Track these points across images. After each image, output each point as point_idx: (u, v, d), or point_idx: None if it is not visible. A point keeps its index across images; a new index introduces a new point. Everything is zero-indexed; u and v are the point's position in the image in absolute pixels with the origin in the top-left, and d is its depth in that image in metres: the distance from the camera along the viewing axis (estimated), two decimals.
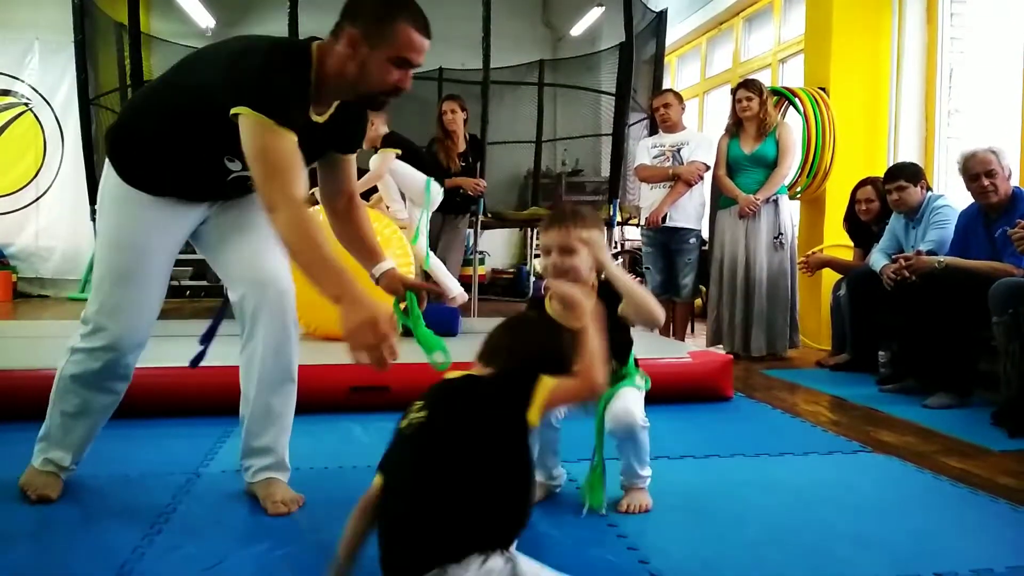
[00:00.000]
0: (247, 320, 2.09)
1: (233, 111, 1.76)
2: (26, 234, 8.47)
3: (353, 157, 2.19)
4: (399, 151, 4.78)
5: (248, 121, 1.76)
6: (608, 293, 2.06)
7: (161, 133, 1.97)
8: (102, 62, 6.26)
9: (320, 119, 1.96)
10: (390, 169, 4.78)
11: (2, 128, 8.46)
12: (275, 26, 6.18)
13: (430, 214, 4.94)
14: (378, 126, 4.70)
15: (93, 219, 6.18)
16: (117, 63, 6.47)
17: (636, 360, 2.22)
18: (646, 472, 2.19)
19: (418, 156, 4.99)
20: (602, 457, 2.11)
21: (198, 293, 9.36)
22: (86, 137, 6.25)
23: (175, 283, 9.38)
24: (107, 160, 2.06)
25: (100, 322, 2.04)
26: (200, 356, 2.31)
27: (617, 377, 2.14)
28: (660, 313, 2.10)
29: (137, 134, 2.02)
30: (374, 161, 4.81)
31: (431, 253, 4.93)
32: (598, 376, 1.56)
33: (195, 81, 1.94)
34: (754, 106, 4.71)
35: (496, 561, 1.38)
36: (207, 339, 2.28)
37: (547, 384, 1.52)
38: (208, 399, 3.00)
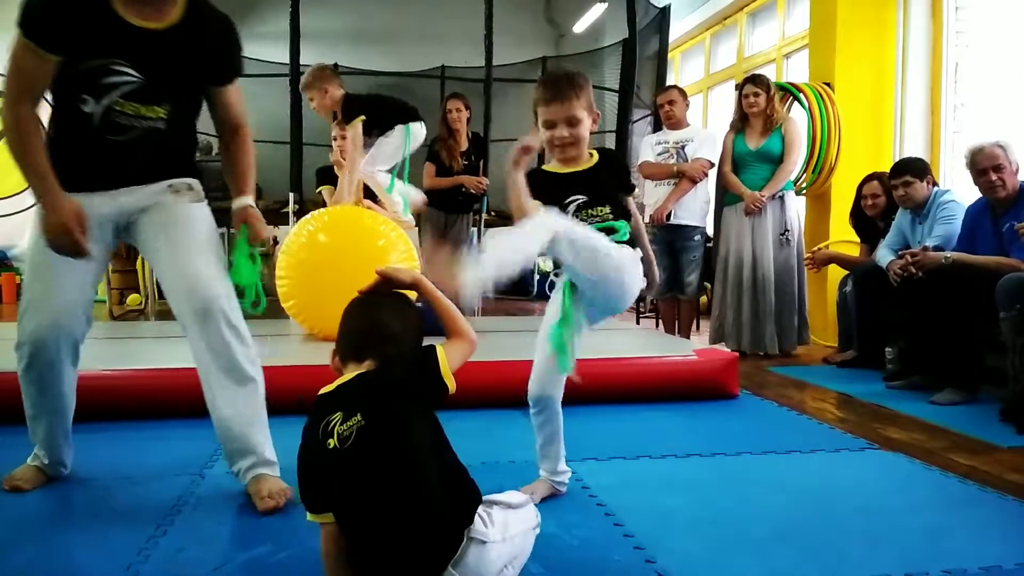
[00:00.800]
0: (186, 330, 2.13)
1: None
2: (30, 235, 8.47)
3: (232, 88, 2.20)
4: (363, 116, 4.29)
5: (14, 41, 1.91)
6: (612, 158, 2.25)
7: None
8: None
9: (151, 24, 1.97)
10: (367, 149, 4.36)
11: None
12: (277, 26, 6.18)
13: (409, 152, 4.48)
14: (332, 90, 4.30)
15: None
16: None
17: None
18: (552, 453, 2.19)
19: (382, 105, 4.47)
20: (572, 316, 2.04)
21: None
22: None
23: None
24: None
25: (21, 318, 2.11)
26: None
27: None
28: None
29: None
30: (350, 140, 4.35)
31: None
32: (471, 333, 1.69)
33: None
34: (761, 102, 4.69)
35: (479, 525, 1.50)
36: None
37: (442, 352, 1.58)
38: None
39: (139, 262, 7.24)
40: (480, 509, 1.53)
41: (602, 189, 2.13)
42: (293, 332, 4.29)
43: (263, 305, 2.18)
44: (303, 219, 4.22)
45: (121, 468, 2.39)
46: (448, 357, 1.58)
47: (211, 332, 2.09)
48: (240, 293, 2.17)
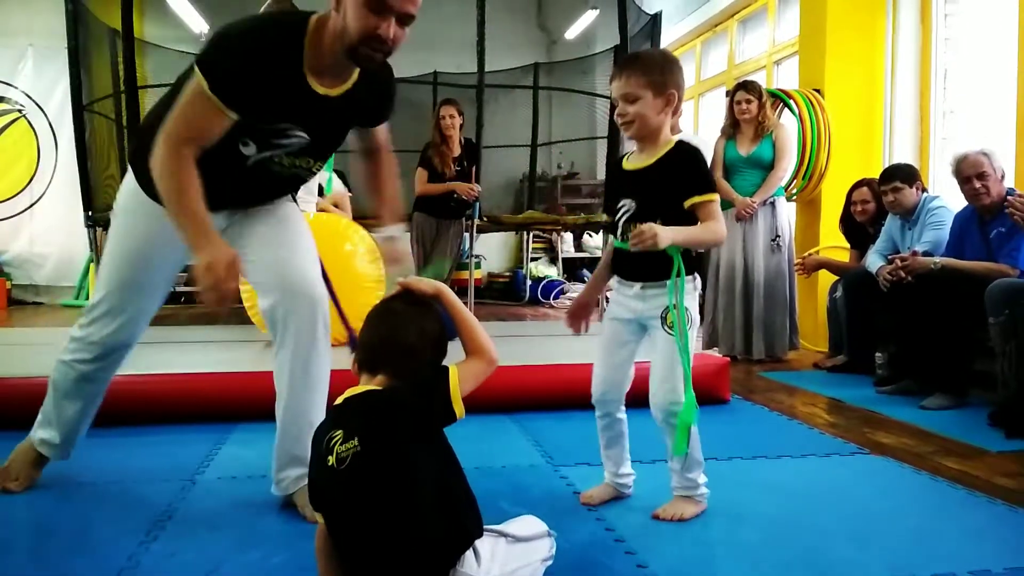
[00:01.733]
0: (278, 328, 2.05)
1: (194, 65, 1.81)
2: (20, 241, 8.45)
3: (380, 129, 2.20)
4: None
5: (194, 79, 1.80)
6: (686, 160, 2.02)
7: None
8: (96, 68, 6.24)
9: (332, 92, 1.92)
10: None
11: None
12: None
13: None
14: None
15: (88, 225, 6.18)
16: (111, 69, 6.45)
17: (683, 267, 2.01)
18: (691, 479, 2.10)
19: None
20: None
21: (193, 299, 9.33)
22: (80, 143, 6.22)
23: (171, 288, 9.38)
24: (129, 167, 2.11)
25: (98, 320, 2.13)
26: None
27: (660, 264, 1.98)
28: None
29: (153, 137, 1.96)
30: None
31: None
32: (492, 351, 1.60)
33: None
34: (753, 108, 4.71)
35: (486, 545, 1.48)
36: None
37: (455, 375, 1.51)
38: (204, 405, 3.00)
39: None
40: (478, 543, 1.47)
41: (654, 195, 2.02)
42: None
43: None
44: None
45: (113, 473, 2.39)
46: (462, 378, 1.51)
47: (307, 336, 2.04)
48: None
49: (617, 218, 2.06)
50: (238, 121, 1.84)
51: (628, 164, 2.11)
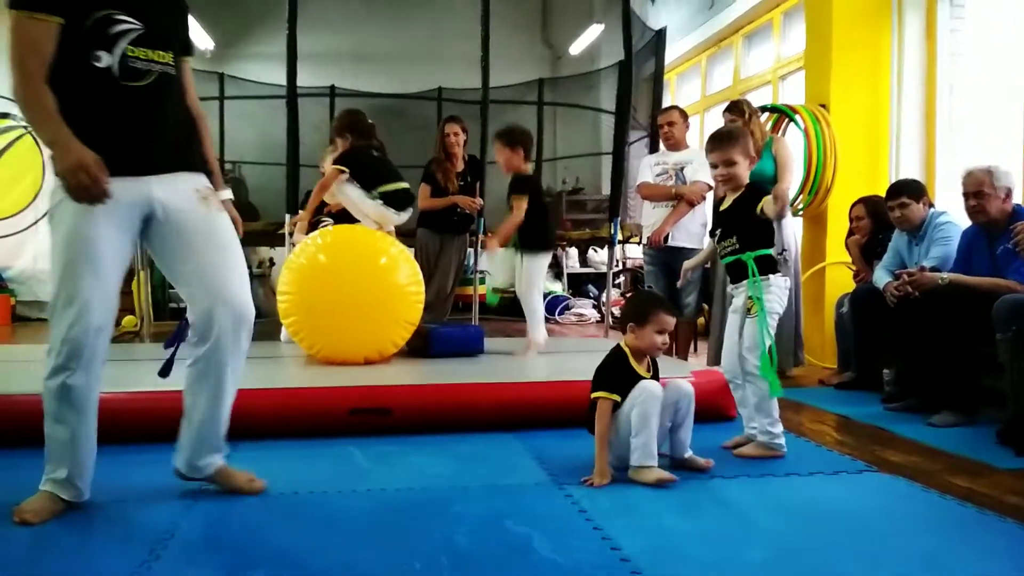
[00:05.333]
0: (207, 338, 2.23)
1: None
2: (25, 257, 8.46)
3: (189, 66, 2.36)
4: (346, 170, 4.32)
5: (11, 19, 2.03)
6: (755, 191, 2.89)
7: (52, 81, 2.05)
8: None
9: None
10: (340, 189, 4.39)
11: (0, 151, 8.47)
12: (273, 47, 6.21)
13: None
14: (339, 143, 4.54)
15: None
16: None
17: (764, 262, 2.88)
18: (761, 425, 2.84)
19: (376, 179, 4.41)
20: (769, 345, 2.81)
21: None
22: None
23: (173, 305, 9.38)
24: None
25: (58, 314, 2.10)
26: (168, 365, 2.46)
27: (742, 266, 2.88)
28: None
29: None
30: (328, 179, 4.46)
31: None
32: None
33: None
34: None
35: None
36: (171, 344, 2.45)
37: None
38: None
39: (134, 283, 7.23)
40: None
41: (732, 222, 2.94)
42: (285, 354, 4.28)
43: None
44: (310, 236, 4.22)
45: (115, 492, 2.36)
46: None
47: (235, 347, 2.27)
48: None
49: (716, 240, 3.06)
50: (78, 37, 2.04)
51: (722, 204, 3.02)
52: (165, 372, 2.45)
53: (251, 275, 2.69)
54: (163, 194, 2.19)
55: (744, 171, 2.92)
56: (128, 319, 7.41)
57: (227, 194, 2.40)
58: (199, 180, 2.29)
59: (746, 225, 2.89)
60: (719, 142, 2.94)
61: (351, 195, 4.36)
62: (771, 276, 2.87)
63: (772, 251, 2.90)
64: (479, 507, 2.28)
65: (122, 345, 5.96)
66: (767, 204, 2.81)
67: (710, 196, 4.97)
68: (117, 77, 2.10)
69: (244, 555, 1.94)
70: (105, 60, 2.09)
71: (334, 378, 3.42)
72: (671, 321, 2.66)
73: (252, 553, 1.95)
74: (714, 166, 2.95)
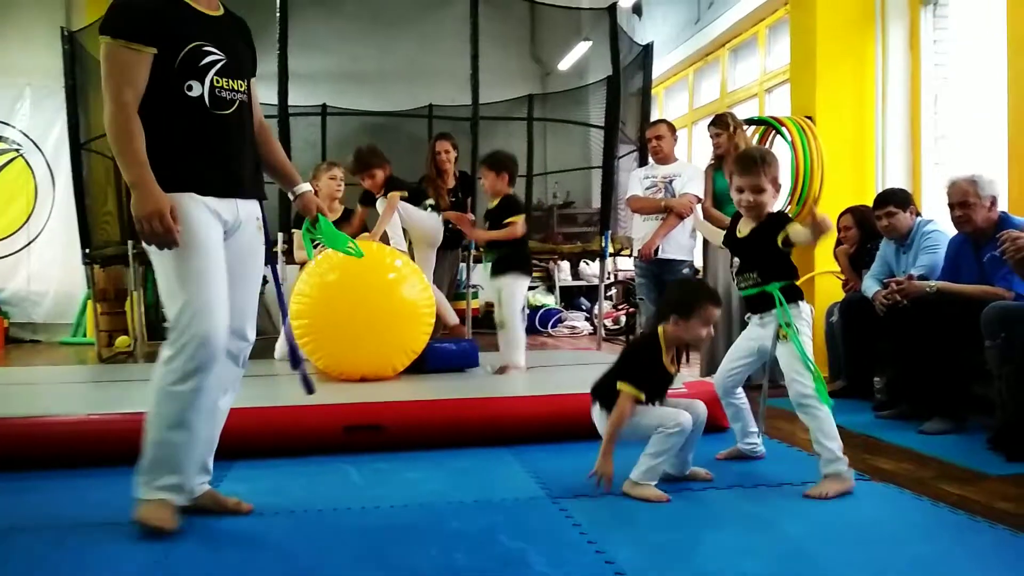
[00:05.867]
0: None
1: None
2: (18, 279, 8.45)
3: (254, 84, 2.44)
4: (405, 192, 4.89)
5: (102, 45, 2.11)
6: (775, 221, 2.75)
7: (146, 109, 2.14)
8: (93, 106, 6.28)
9: (212, 12, 2.27)
10: (402, 210, 4.88)
11: None
12: (264, 67, 6.23)
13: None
14: (378, 173, 4.88)
15: (85, 263, 6.21)
16: None
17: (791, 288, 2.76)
18: (829, 450, 2.59)
19: (418, 196, 5.09)
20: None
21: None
22: (77, 181, 6.26)
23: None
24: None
25: (177, 325, 2.15)
26: (308, 381, 2.53)
27: (766, 298, 2.74)
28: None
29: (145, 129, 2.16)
30: (380, 204, 4.89)
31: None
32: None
33: None
34: (723, 141, 4.78)
35: None
36: (297, 364, 2.52)
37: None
38: None
39: (127, 303, 7.22)
40: None
41: (752, 254, 2.81)
42: (280, 372, 4.28)
43: (359, 251, 2.71)
44: (317, 260, 4.22)
45: (109, 514, 2.36)
46: None
47: (237, 372, 2.39)
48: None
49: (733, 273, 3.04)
50: (172, 68, 2.13)
51: (740, 230, 2.86)
52: (310, 389, 2.51)
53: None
54: (243, 216, 2.32)
55: (771, 199, 2.76)
56: (121, 339, 7.40)
57: (306, 186, 2.56)
58: (259, 209, 2.42)
59: (767, 257, 2.75)
60: (748, 166, 2.75)
61: (413, 214, 4.92)
62: (800, 303, 2.75)
63: (795, 280, 2.78)
64: (474, 523, 2.29)
65: (115, 366, 5.95)
66: (796, 232, 2.67)
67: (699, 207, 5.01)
68: (208, 106, 2.21)
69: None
70: (196, 90, 2.19)
71: (329, 396, 3.43)
72: (717, 313, 2.63)
73: (251, 574, 1.95)
74: (739, 190, 2.76)
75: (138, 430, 2.96)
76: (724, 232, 3.00)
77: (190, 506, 2.30)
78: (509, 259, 4.38)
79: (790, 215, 3.47)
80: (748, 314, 2.90)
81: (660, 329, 2.63)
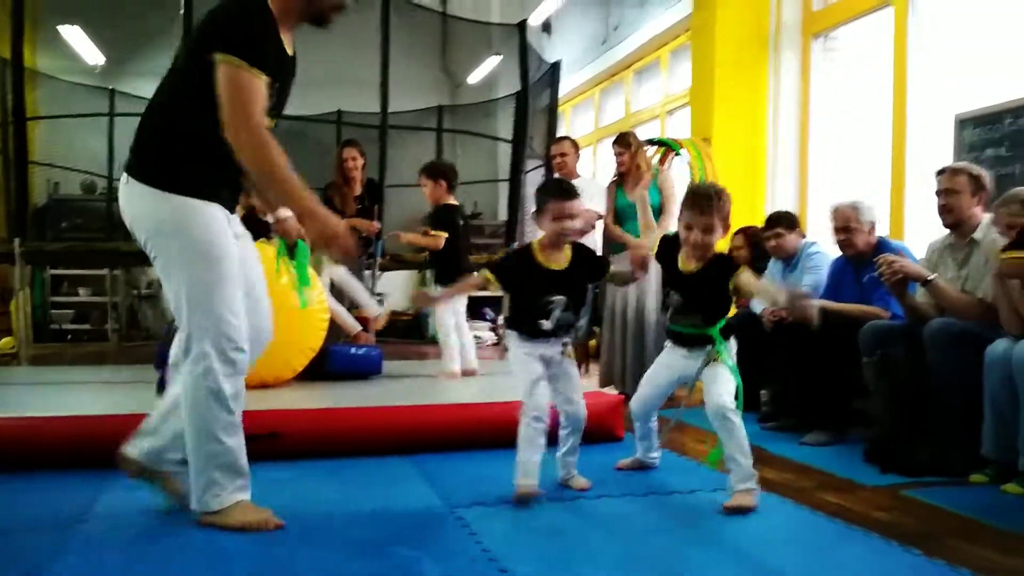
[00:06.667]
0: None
1: (214, 56, 2.06)
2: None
3: None
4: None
5: (223, 64, 2.06)
6: (723, 263, 2.69)
7: (189, 113, 2.16)
8: None
9: (291, 53, 2.30)
10: None
11: None
12: (165, 64, 6.06)
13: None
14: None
15: None
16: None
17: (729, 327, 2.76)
18: (747, 466, 2.57)
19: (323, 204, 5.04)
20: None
21: (80, 337, 8.97)
22: None
23: (56, 327, 8.97)
24: (145, 188, 2.19)
25: (222, 329, 2.17)
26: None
27: (703, 337, 2.70)
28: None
29: (173, 131, 2.20)
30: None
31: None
32: None
33: (193, 50, 2.18)
34: (626, 160, 4.90)
35: None
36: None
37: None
38: (89, 450, 2.88)
39: (12, 303, 6.88)
40: None
41: (700, 296, 2.71)
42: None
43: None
44: None
45: None
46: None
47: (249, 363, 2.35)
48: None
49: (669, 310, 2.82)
50: None
51: (684, 265, 2.75)
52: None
53: (139, 296, 2.66)
54: (238, 231, 2.35)
55: (717, 239, 2.67)
56: (5, 341, 7.04)
57: (286, 212, 2.68)
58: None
59: (715, 300, 2.72)
60: (700, 203, 2.64)
61: None
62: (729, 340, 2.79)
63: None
64: (370, 532, 2.29)
65: None
66: (747, 283, 2.66)
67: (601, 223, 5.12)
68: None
69: None
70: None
71: None
72: (568, 206, 2.63)
73: None
74: (688, 227, 2.65)
75: (20, 436, 2.86)
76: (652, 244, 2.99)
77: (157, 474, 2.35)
78: (441, 270, 4.59)
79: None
80: (670, 343, 2.88)
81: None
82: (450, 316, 4.53)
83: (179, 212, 2.16)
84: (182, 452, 2.27)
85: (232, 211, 2.34)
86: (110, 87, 8.10)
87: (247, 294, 2.29)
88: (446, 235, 4.56)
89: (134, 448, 2.32)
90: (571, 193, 2.68)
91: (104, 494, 2.60)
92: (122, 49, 8.74)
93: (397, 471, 3.00)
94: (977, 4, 4.40)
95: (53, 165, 7.55)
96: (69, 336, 8.93)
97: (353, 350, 4.45)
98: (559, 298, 2.66)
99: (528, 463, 2.60)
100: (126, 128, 7.87)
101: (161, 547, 2.16)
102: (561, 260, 2.70)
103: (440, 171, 4.66)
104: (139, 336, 9.03)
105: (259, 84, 2.10)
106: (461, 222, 4.76)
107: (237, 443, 2.24)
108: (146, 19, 8.65)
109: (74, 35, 8.02)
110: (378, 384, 4.15)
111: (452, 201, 4.69)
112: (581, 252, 2.77)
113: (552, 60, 7.27)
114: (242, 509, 2.25)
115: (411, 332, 9.49)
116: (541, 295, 2.66)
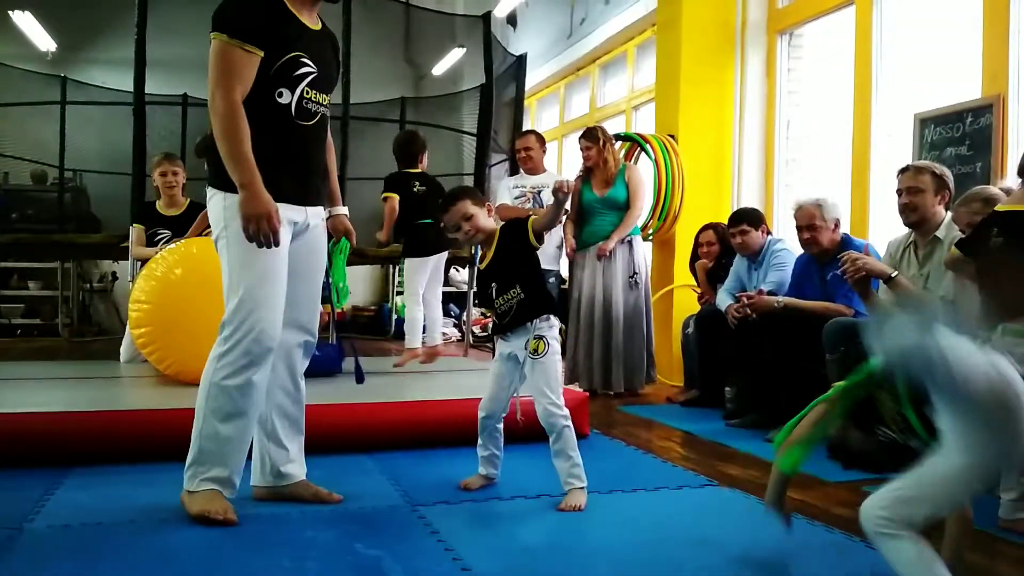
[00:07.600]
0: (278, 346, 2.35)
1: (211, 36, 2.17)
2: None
3: None
4: None
5: (214, 41, 2.19)
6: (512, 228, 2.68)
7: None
8: None
9: (312, 27, 2.36)
10: None
11: None
12: (121, 52, 5.92)
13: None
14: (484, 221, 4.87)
15: None
16: None
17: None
18: (578, 465, 2.53)
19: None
20: None
21: (30, 332, 8.76)
22: None
23: (5, 321, 8.74)
24: (211, 190, 2.33)
25: (233, 318, 2.24)
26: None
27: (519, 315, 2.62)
28: None
29: None
30: None
31: None
32: None
33: None
34: (593, 154, 4.88)
35: None
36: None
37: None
38: (37, 448, 2.79)
39: None
40: None
41: (506, 270, 2.66)
42: (125, 375, 4.06)
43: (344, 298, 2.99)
44: (168, 248, 4.01)
45: None
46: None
47: (300, 363, 2.49)
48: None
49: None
50: (267, 73, 2.22)
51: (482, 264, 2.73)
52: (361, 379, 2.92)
53: (91, 290, 2.57)
54: (311, 218, 2.43)
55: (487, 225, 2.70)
56: None
57: (344, 209, 2.71)
58: (323, 213, 2.55)
59: (522, 266, 2.63)
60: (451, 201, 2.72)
61: None
62: (551, 316, 2.62)
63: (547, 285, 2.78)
64: (329, 531, 2.24)
65: None
66: (534, 220, 2.64)
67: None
68: (293, 115, 2.30)
69: None
70: (286, 97, 2.28)
71: (179, 400, 3.26)
72: (446, 216, 2.71)
73: None
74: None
75: None
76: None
77: (287, 496, 2.44)
78: (406, 243, 4.63)
79: (651, 229, 3.57)
80: (503, 338, 2.68)
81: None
82: (415, 284, 4.55)
83: (229, 210, 2.24)
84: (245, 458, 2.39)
85: (304, 202, 2.38)
86: (62, 75, 7.89)
87: (294, 287, 2.35)
88: (394, 196, 4.59)
89: None
90: (448, 201, 2.72)
91: (55, 492, 2.53)
92: (74, 37, 8.54)
93: (358, 469, 2.95)
94: (941, 4, 4.44)
95: (2, 154, 7.34)
96: (19, 331, 8.73)
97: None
98: (494, 285, 2.68)
99: (480, 456, 2.72)
100: (79, 117, 7.75)
101: (110, 546, 2.10)
102: (489, 254, 2.71)
103: (397, 145, 4.85)
104: (91, 331, 8.83)
105: (241, 57, 2.18)
106: (416, 188, 4.73)
107: (235, 434, 2.28)
108: (100, 6, 8.47)
109: (26, 21, 7.80)
110: (339, 381, 4.08)
111: (409, 170, 4.77)
112: (504, 231, 2.70)
113: (518, 53, 7.23)
114: (207, 497, 2.25)
115: (372, 328, 9.41)
116: (483, 291, 2.75)
